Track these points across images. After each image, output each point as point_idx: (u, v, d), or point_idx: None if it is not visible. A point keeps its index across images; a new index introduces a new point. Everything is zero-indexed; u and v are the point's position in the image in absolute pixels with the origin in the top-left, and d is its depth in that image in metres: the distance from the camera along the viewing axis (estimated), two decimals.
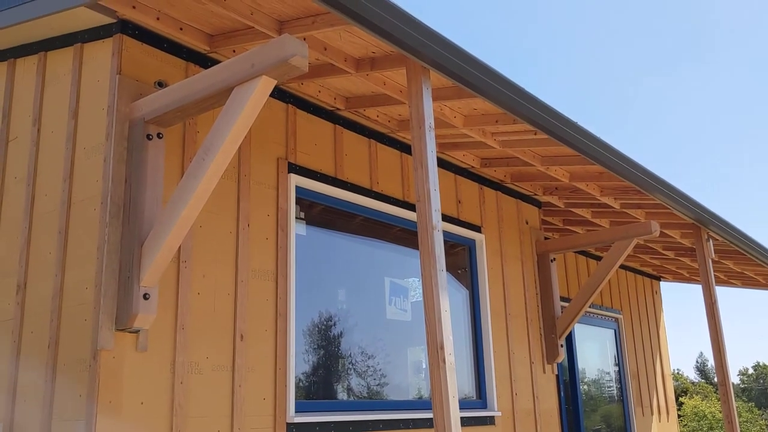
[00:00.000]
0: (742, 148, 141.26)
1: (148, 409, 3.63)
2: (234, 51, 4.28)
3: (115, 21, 3.91)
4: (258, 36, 3.99)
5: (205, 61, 4.27)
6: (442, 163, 6.15)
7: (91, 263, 3.66)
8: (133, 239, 3.60)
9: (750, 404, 30.98)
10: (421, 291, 4.17)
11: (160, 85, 3.98)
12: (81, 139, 3.98)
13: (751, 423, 26.97)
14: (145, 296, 3.53)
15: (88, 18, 3.96)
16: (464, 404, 5.89)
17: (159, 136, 3.77)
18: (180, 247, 3.91)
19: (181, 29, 4.03)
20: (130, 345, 3.61)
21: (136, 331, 3.62)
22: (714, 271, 9.72)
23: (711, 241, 7.23)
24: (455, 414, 3.49)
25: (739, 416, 26.26)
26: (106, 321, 3.52)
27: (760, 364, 63.99)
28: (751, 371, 64.88)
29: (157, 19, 3.93)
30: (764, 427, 28.31)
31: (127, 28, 3.91)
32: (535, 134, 5.33)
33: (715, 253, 8.00)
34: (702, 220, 6.87)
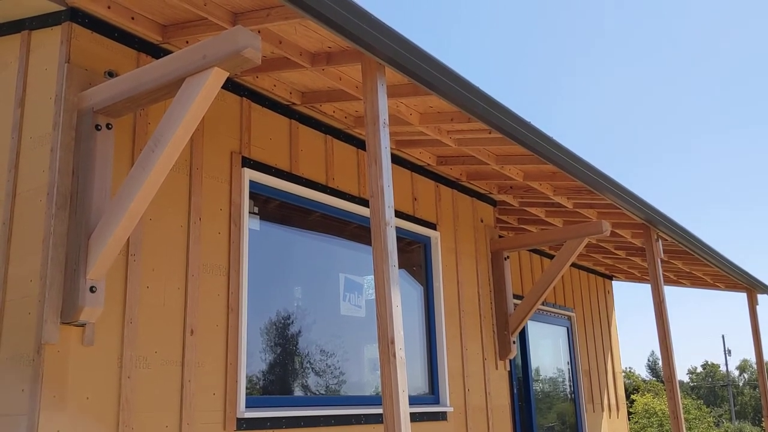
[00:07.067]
0: (696, 149, 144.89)
1: (94, 404, 3.57)
2: (187, 42, 4.23)
3: (64, 8, 3.82)
4: (212, 27, 3.95)
5: (157, 52, 4.21)
6: (398, 161, 6.17)
7: (36, 255, 3.58)
8: (80, 231, 3.54)
9: (699, 402, 31.79)
10: None
11: (111, 75, 3.91)
12: (27, 128, 3.89)
13: (699, 420, 27.67)
14: (92, 289, 3.47)
15: (36, 4, 3.87)
16: (416, 400, 5.92)
17: (108, 126, 3.70)
18: (129, 240, 3.85)
19: (132, 19, 3.97)
20: (76, 339, 3.55)
21: (82, 325, 3.55)
22: (664, 270, 9.95)
23: (660, 241, 7.39)
24: (405, 408, 3.50)
25: (688, 413, 26.92)
26: (51, 314, 3.45)
27: (709, 363, 65.77)
28: (699, 370, 66.64)
29: (108, 7, 3.86)
30: (712, 424, 29.07)
31: (76, 16, 3.83)
32: (490, 133, 5.38)
33: (664, 253, 8.19)
34: (651, 220, 7.03)
